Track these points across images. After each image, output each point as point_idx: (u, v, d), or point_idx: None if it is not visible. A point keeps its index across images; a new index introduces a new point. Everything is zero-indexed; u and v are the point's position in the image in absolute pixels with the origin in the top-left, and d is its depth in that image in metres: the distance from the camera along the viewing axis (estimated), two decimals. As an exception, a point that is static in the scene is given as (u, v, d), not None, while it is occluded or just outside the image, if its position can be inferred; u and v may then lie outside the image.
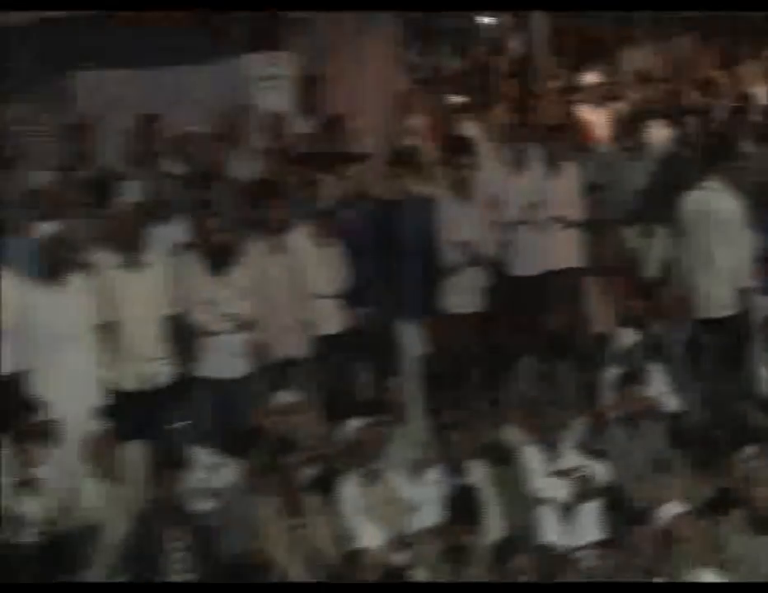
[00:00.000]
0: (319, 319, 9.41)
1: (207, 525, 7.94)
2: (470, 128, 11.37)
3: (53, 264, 8.62)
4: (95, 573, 7.91)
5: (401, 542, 7.88)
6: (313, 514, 7.97)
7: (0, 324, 8.52)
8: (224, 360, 9.01)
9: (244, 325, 9.03)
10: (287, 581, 7.37)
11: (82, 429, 8.31)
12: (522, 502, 8.45)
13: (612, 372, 9.27)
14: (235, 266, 9.05)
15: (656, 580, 7.48)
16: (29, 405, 8.25)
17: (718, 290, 9.82)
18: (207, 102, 11.34)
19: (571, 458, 8.57)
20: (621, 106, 12.55)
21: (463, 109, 12.50)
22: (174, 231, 9.39)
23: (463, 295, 9.77)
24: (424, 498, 8.25)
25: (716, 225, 9.81)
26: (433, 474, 8.35)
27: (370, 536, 7.51)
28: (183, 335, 9.02)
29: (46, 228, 8.74)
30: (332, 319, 9.48)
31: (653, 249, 10.47)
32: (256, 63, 12.16)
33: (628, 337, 9.74)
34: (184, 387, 9.00)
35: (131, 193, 9.62)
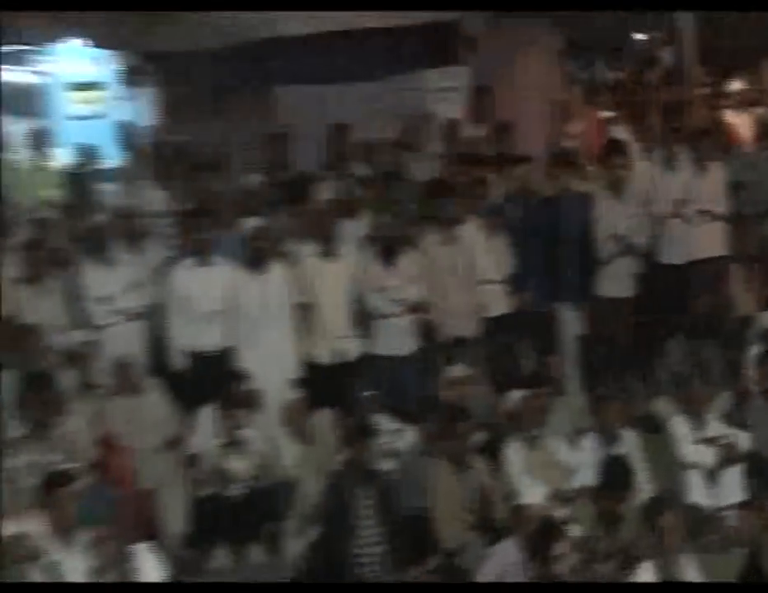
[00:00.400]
0: (486, 303, 9.46)
1: (389, 483, 7.99)
2: (623, 132, 11.18)
3: (257, 254, 8.88)
4: (291, 524, 8.15)
5: (560, 498, 7.81)
6: (481, 474, 7.93)
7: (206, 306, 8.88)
8: (394, 339, 9.10)
9: (412, 309, 9.09)
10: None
11: (281, 397, 8.61)
12: (670, 467, 8.33)
13: (755, 350, 9.07)
14: (404, 256, 9.14)
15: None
16: (235, 376, 8.49)
17: None
18: (391, 112, 11.37)
19: (716, 427, 8.44)
20: (764, 111, 12.16)
21: (618, 115, 12.30)
22: (359, 227, 9.53)
23: (616, 281, 9.70)
24: (580, 463, 8.19)
25: None
26: (589, 441, 8.28)
27: (532, 493, 7.50)
28: (365, 317, 9.15)
29: (252, 222, 8.96)
30: (498, 303, 9.54)
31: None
32: (434, 77, 12.21)
33: (769, 318, 9.50)
34: (368, 362, 9.13)
35: (325, 192, 9.81)
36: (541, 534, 6.99)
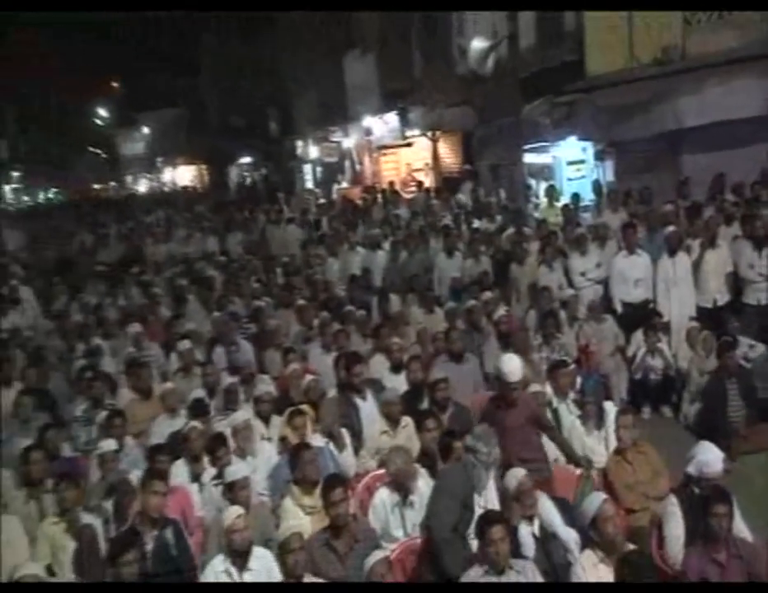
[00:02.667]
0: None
1: (748, 377, 7.38)
2: None
3: (671, 246, 8.49)
4: (686, 395, 7.79)
5: None
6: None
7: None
8: (758, 294, 8.45)
9: None
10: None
11: (682, 326, 8.37)
12: None
13: None
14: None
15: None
16: (655, 314, 8.27)
17: None
18: (756, 164, 10.33)
19: None
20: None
21: None
22: (732, 231, 8.96)
23: None
24: None
25: None
26: None
27: None
28: (736, 281, 8.57)
29: (668, 229, 8.64)
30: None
31: None
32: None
33: None
34: (736, 307, 8.58)
35: (708, 212, 9.34)
36: None
